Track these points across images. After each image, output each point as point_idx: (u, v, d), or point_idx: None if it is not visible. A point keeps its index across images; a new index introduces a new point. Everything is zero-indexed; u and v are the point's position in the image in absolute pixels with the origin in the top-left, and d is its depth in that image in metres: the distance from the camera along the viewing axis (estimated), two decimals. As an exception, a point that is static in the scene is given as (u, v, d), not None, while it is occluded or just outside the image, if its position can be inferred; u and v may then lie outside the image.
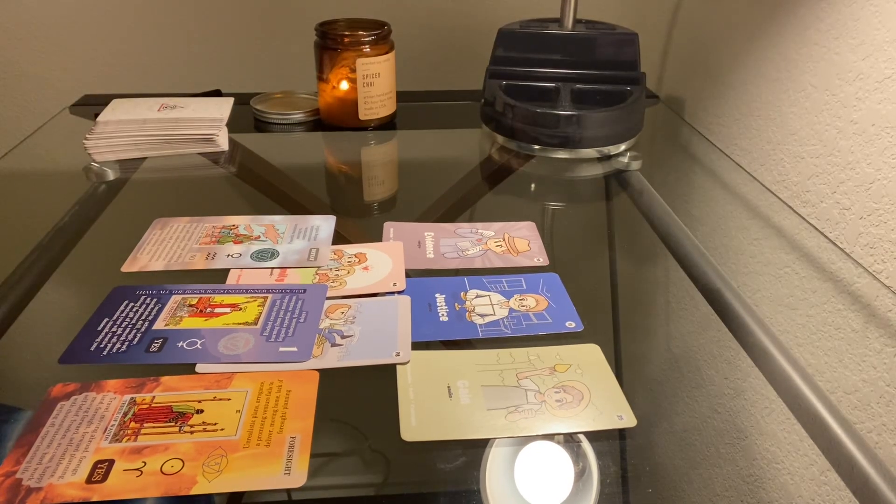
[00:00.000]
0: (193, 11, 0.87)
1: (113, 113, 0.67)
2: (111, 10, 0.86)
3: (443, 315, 0.44)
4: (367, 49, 0.68)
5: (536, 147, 0.66)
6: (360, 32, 0.67)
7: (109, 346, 0.40)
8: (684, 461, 0.39)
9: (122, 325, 0.42)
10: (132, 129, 0.64)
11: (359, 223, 0.57)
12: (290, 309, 0.44)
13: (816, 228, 0.55)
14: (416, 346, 0.41)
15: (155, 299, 0.44)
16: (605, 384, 0.39)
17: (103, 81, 0.90)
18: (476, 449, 0.35)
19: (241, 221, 0.55)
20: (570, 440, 0.36)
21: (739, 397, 0.46)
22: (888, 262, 0.48)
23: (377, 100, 0.71)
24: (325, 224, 0.55)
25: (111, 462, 0.33)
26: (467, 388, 0.38)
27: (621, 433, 0.37)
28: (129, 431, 0.34)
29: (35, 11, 0.85)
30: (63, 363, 0.39)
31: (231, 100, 0.73)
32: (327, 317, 0.43)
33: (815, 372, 0.47)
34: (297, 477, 0.32)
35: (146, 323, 0.42)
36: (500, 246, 0.53)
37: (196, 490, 0.31)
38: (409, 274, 0.49)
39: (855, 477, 0.33)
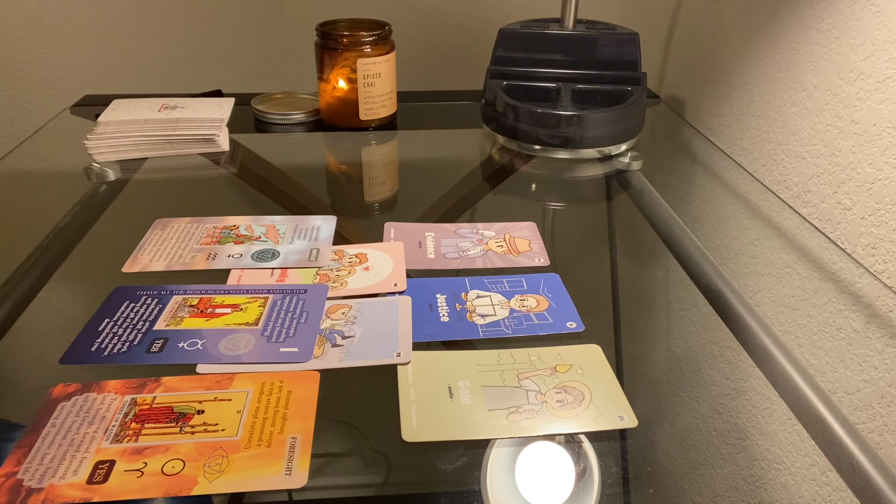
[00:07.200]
0: (194, 11, 0.87)
1: (114, 113, 0.67)
2: (112, 10, 0.86)
3: (444, 315, 0.44)
4: (367, 49, 0.68)
5: (537, 147, 0.66)
6: (361, 33, 0.67)
7: (110, 346, 0.40)
8: (685, 462, 0.39)
9: (123, 326, 0.42)
10: (133, 129, 0.64)
11: (359, 223, 0.57)
12: (290, 309, 0.44)
13: (817, 229, 0.55)
14: (417, 346, 0.41)
15: (156, 300, 0.44)
16: (606, 384, 0.39)
17: (104, 81, 0.90)
18: (477, 449, 0.35)
19: (241, 222, 0.55)
20: (571, 441, 0.36)
21: (740, 398, 0.46)
22: (889, 263, 0.48)
23: (378, 100, 0.71)
24: (325, 224, 0.55)
25: (112, 463, 0.33)
26: (468, 389, 0.38)
27: (622, 434, 0.37)
28: (130, 432, 0.34)
29: (36, 11, 0.85)
30: (64, 364, 0.39)
31: (232, 100, 0.73)
32: (328, 317, 0.43)
33: (816, 372, 0.47)
34: (298, 478, 0.32)
35: (147, 323, 0.42)
36: (501, 246, 0.53)
37: (197, 491, 0.31)
38: (410, 274, 0.49)
39: (856, 477, 0.33)
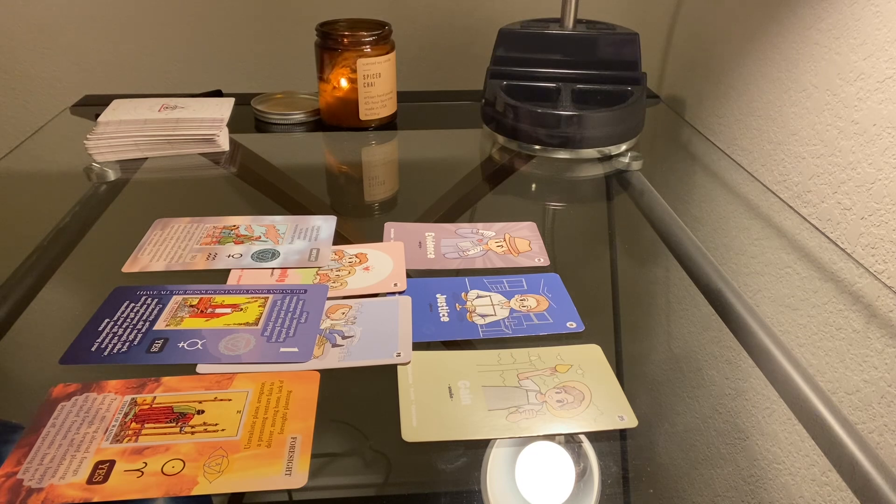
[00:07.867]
0: (194, 12, 0.87)
1: (114, 113, 0.67)
2: (112, 11, 0.86)
3: (444, 315, 0.44)
4: (367, 49, 0.68)
5: (537, 147, 0.66)
6: (361, 33, 0.67)
7: (110, 346, 0.40)
8: (685, 462, 0.39)
9: (123, 326, 0.42)
10: (133, 129, 0.64)
11: (359, 223, 0.57)
12: (290, 309, 0.44)
13: (817, 229, 0.55)
14: (417, 346, 0.41)
15: (156, 300, 0.44)
16: (606, 384, 0.39)
17: (104, 82, 0.90)
18: (477, 449, 0.35)
19: (241, 222, 0.55)
20: (571, 441, 0.36)
21: (740, 398, 0.46)
22: (889, 263, 0.48)
23: (378, 100, 0.71)
24: (325, 224, 0.55)
25: (112, 463, 0.33)
26: (468, 389, 0.38)
27: (622, 433, 0.37)
28: (130, 432, 0.34)
29: (35, 11, 0.85)
30: (64, 364, 0.39)
31: (232, 100, 0.73)
32: (328, 317, 0.43)
33: (816, 372, 0.47)
34: (298, 478, 0.32)
35: (147, 323, 0.42)
36: (501, 246, 0.53)
37: (197, 491, 0.31)
38: (410, 274, 0.49)
39: (856, 477, 0.33)
